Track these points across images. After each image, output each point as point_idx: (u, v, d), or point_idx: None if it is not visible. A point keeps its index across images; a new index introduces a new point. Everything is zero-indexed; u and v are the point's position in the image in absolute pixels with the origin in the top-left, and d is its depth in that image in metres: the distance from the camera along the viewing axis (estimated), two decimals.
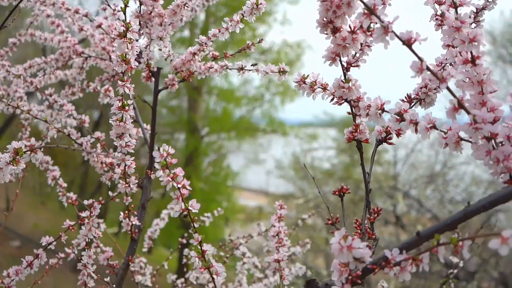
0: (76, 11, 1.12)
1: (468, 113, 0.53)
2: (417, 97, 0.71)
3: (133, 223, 1.00)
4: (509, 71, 9.32)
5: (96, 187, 10.21)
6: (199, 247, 0.67)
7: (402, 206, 5.75)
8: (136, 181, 0.94)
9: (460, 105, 0.53)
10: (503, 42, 9.37)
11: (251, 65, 0.96)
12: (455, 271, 1.11)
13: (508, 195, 0.51)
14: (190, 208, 0.66)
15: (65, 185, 1.13)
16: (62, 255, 1.16)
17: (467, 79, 0.57)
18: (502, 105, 0.56)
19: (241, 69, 0.98)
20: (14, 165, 0.70)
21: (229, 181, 11.31)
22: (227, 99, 11.54)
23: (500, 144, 0.55)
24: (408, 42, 0.53)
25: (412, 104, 0.72)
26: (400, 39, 0.53)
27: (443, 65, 0.72)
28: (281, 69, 0.88)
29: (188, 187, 0.65)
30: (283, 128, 11.20)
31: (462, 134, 0.57)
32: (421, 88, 0.71)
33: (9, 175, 0.73)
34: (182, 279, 1.39)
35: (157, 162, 0.63)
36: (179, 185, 0.64)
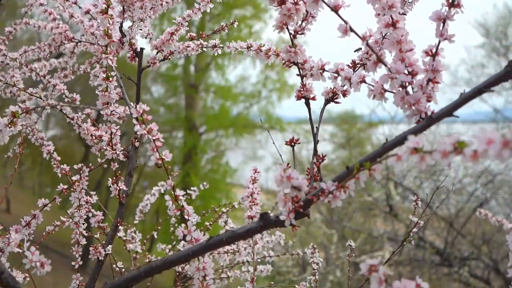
0: None
1: (386, 66, 0.64)
2: (361, 62, 0.82)
3: (121, 188, 1.11)
4: (503, 64, 9.40)
5: (95, 185, 10.33)
6: (173, 192, 0.78)
7: (394, 195, 5.87)
8: (122, 148, 1.05)
9: (379, 60, 0.65)
10: (497, 35, 9.47)
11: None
12: (415, 229, 1.22)
13: (417, 130, 0.62)
14: (163, 157, 0.77)
15: (59, 158, 1.24)
16: (58, 222, 1.27)
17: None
18: (418, 61, 0.67)
19: (214, 46, 1.09)
20: (12, 126, 0.80)
21: (227, 178, 11.40)
22: (224, 97, 11.65)
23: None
24: (335, 8, 0.64)
25: (357, 68, 0.82)
26: (328, 6, 0.64)
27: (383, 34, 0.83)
28: (249, 45, 0.99)
29: (161, 140, 0.76)
30: (280, 124, 11.31)
31: (386, 86, 0.68)
32: (364, 54, 0.82)
33: (7, 137, 0.84)
34: (170, 246, 1.51)
35: (134, 118, 0.74)
36: (154, 138, 0.75)
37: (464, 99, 0.59)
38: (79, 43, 1.36)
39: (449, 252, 6.01)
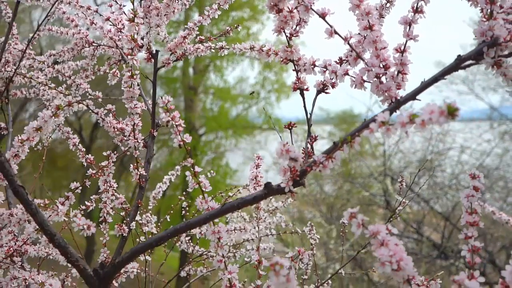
0: (88, 8, 1.38)
1: (363, 61, 0.80)
2: (346, 58, 0.98)
3: (141, 173, 1.27)
4: None
5: (97, 188, 10.44)
6: (192, 169, 0.94)
7: (391, 190, 6.04)
8: (143, 137, 1.21)
9: (358, 56, 0.81)
10: None
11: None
12: (401, 207, 1.38)
13: (388, 111, 0.78)
14: (185, 139, 0.92)
15: (83, 149, 1.40)
16: (83, 207, 1.42)
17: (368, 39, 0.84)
18: (390, 57, 0.83)
19: (221, 48, 1.25)
20: (56, 117, 0.96)
21: (228, 179, 11.55)
22: (223, 98, 11.81)
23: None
24: (322, 15, 0.80)
25: (343, 63, 0.98)
26: (317, 13, 0.80)
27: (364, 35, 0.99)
28: (251, 46, 1.15)
29: (183, 125, 0.92)
30: (279, 125, 11.46)
31: (365, 78, 0.84)
32: (348, 52, 0.98)
33: (51, 127, 1.00)
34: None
35: (161, 107, 0.90)
36: (177, 123, 0.91)
37: (424, 85, 0.75)
38: (98, 47, 1.52)
39: (446, 246, 6.17)
